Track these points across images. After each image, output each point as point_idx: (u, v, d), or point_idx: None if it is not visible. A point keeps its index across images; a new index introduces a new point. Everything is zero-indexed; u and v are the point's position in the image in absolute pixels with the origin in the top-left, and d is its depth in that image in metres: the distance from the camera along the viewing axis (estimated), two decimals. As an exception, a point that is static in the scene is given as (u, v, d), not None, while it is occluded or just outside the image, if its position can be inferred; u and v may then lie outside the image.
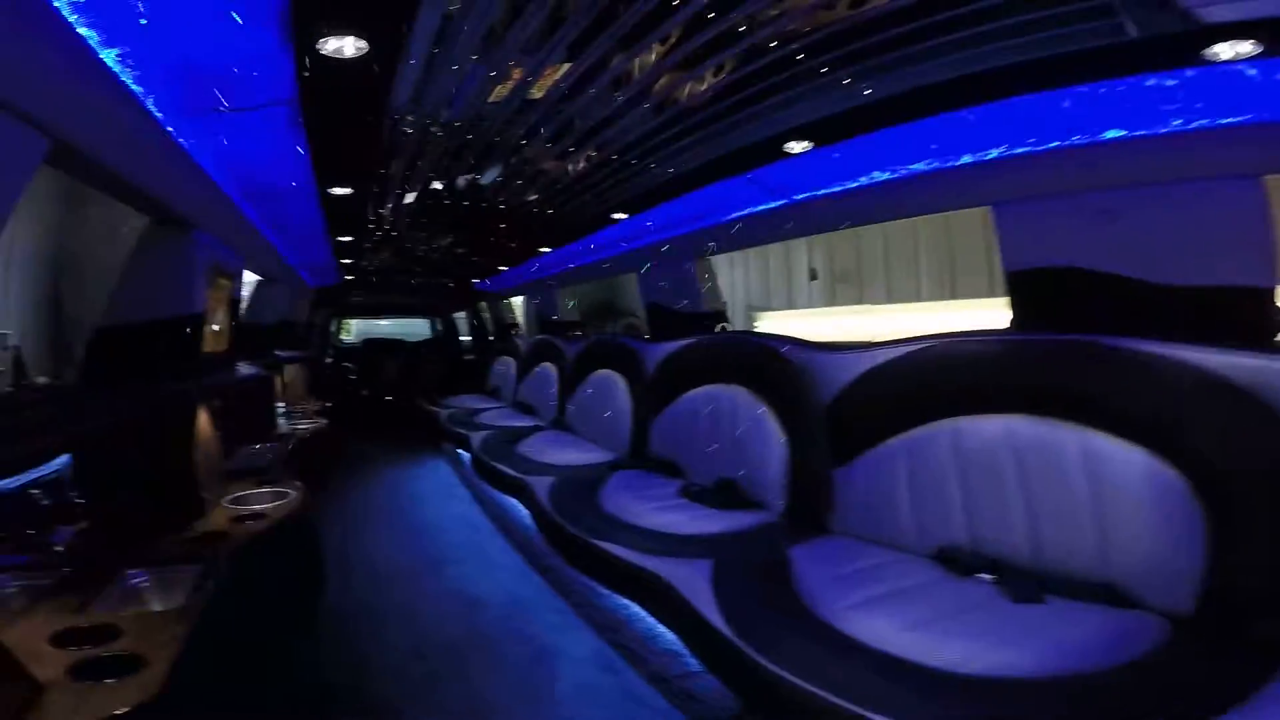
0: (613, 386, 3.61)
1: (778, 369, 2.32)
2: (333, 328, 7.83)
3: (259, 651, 1.83)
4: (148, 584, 1.56)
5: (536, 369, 5.18)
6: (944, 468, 1.82)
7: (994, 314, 2.43)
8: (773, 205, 2.43)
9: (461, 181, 2.66)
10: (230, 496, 2.27)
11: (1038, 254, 1.78)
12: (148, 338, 1.84)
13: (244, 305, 4.42)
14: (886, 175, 1.98)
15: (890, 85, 1.50)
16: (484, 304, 7.32)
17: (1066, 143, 1.50)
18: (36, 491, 2.01)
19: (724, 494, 2.38)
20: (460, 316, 8.08)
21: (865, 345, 2.12)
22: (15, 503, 1.95)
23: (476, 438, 4.00)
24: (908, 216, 2.58)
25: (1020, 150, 1.58)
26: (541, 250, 4.06)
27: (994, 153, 1.65)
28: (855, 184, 2.10)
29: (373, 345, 7.99)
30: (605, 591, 2.16)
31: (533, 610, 2.45)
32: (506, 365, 6.14)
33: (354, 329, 8.60)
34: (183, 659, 1.14)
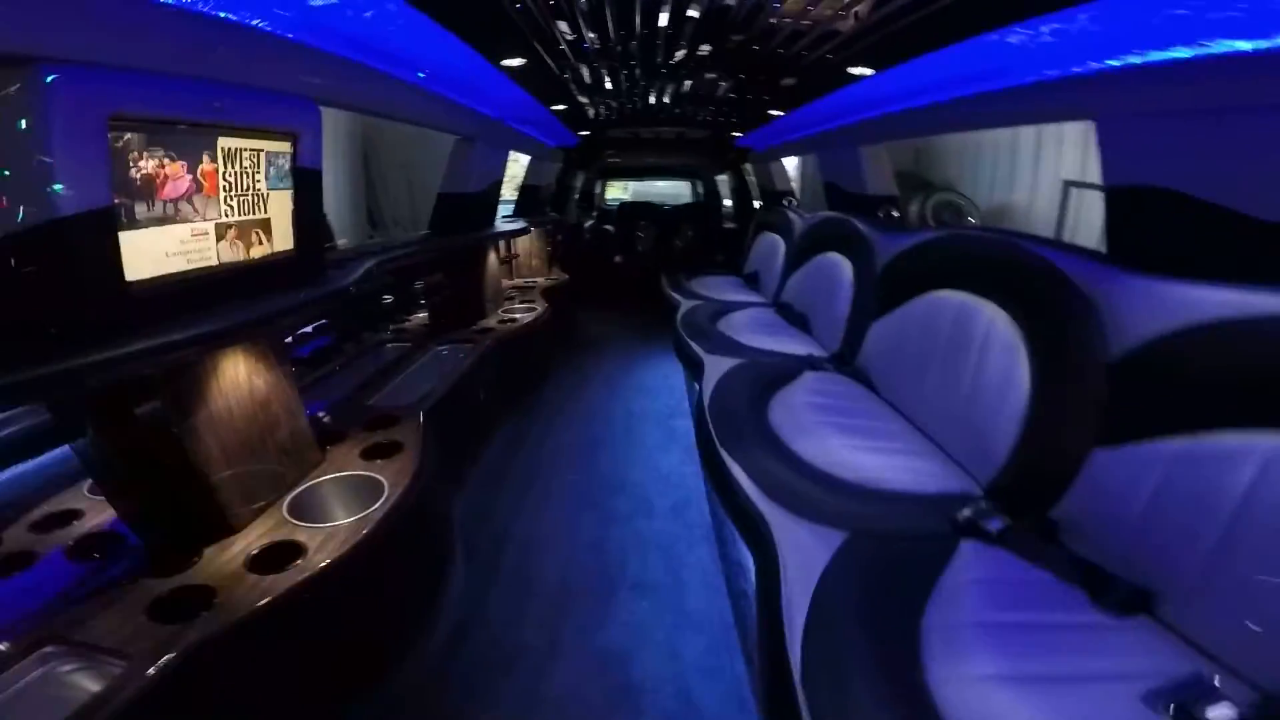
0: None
1: (1042, 288, 1.55)
2: (596, 189, 7.32)
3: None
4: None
5: (816, 259, 3.47)
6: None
7: None
8: None
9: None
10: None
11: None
12: None
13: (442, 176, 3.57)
14: None
15: None
16: (748, 165, 5.81)
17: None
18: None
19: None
20: (724, 181, 6.83)
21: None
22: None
23: (713, 366, 2.58)
24: None
25: None
26: (855, 72, 2.35)
27: None
28: None
29: (628, 210, 7.27)
30: None
31: (719, 653, 1.86)
32: (773, 246, 4.52)
33: (630, 190, 7.96)
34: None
